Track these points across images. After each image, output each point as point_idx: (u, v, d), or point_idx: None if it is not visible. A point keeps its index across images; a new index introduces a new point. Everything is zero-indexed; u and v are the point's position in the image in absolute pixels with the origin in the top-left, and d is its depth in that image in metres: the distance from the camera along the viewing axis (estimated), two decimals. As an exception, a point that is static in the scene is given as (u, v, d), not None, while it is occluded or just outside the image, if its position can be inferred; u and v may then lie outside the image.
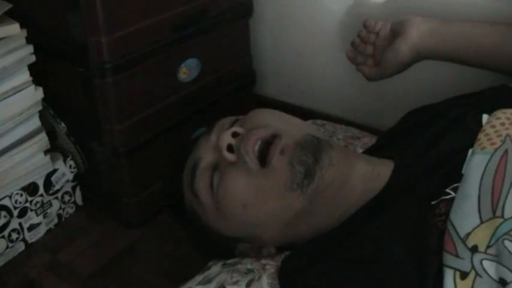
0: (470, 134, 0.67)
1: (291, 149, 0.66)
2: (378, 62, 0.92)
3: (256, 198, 0.67)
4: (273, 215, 0.68)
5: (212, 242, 0.75)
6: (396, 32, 0.88)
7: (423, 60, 0.89)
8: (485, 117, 0.69)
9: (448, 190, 0.62)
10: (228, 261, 0.75)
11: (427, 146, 0.71)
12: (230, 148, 0.68)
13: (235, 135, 0.69)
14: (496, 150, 0.62)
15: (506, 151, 0.61)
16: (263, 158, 0.66)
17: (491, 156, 0.61)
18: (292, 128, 0.70)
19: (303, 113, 1.31)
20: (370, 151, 0.84)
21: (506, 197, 0.57)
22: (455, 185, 0.62)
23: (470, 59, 0.85)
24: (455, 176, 0.62)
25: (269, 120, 0.72)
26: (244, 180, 0.67)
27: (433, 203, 0.61)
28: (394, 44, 0.87)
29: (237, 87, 1.38)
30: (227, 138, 0.68)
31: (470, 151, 0.64)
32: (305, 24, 1.32)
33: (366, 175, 0.70)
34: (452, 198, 0.60)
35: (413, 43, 0.85)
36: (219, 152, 0.69)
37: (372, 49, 0.93)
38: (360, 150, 0.94)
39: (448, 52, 0.85)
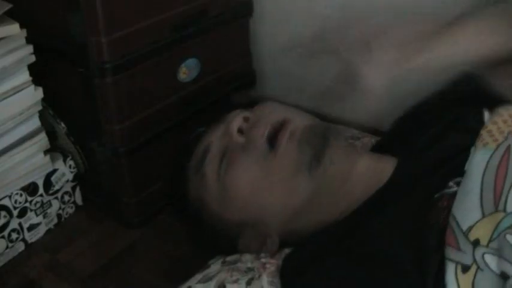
0: (471, 133, 0.67)
1: (301, 131, 0.67)
2: None
3: (264, 181, 0.68)
4: (281, 198, 0.69)
5: (213, 238, 0.75)
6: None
7: None
8: (486, 114, 0.69)
9: (450, 183, 0.62)
10: (228, 259, 0.75)
11: (428, 146, 0.71)
12: (240, 131, 0.69)
13: (246, 119, 0.70)
14: (498, 146, 0.62)
15: (508, 147, 0.61)
16: (272, 143, 0.67)
17: (493, 152, 0.62)
18: (301, 115, 0.71)
19: (303, 113, 1.30)
20: (373, 150, 0.85)
21: (509, 191, 0.57)
22: (458, 178, 0.62)
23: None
24: (458, 172, 0.63)
25: (279, 109, 0.73)
26: (253, 163, 0.68)
27: (436, 195, 0.62)
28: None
29: (237, 87, 1.38)
30: (238, 121, 0.70)
31: (472, 149, 0.64)
32: (305, 24, 1.32)
33: (369, 169, 0.71)
34: (455, 193, 0.60)
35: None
36: (229, 137, 0.70)
37: None
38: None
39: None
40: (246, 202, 0.70)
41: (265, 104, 0.76)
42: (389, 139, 0.85)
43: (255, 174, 0.68)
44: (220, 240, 0.76)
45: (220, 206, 0.72)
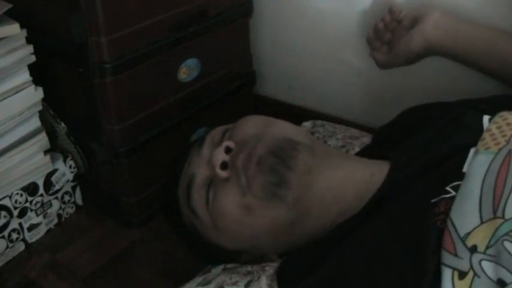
0: (470, 133, 0.67)
1: (264, 157, 0.66)
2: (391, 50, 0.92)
3: (246, 216, 0.68)
4: (265, 228, 0.69)
5: (212, 253, 0.75)
6: (415, 22, 0.88)
7: (434, 56, 0.88)
8: (485, 117, 0.69)
9: (448, 188, 0.61)
10: (228, 266, 0.75)
11: (425, 145, 0.71)
12: (223, 164, 0.69)
13: (227, 150, 0.70)
14: (500, 150, 0.61)
15: (510, 151, 0.60)
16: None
17: (495, 156, 0.61)
18: (273, 132, 0.70)
19: (303, 113, 1.31)
20: (368, 149, 0.84)
21: (508, 197, 0.56)
22: (455, 183, 0.61)
23: (483, 64, 0.84)
24: (455, 174, 0.62)
25: (256, 127, 0.72)
26: (235, 196, 0.67)
27: (433, 201, 0.61)
28: (409, 33, 0.87)
29: (237, 87, 1.38)
30: (220, 156, 0.69)
31: (472, 150, 0.63)
32: (305, 24, 1.32)
33: (356, 179, 0.70)
34: (453, 197, 0.60)
35: (427, 35, 0.85)
36: (212, 169, 0.69)
37: (389, 36, 0.93)
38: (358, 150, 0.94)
39: (461, 52, 0.85)
40: (236, 234, 0.70)
41: (243, 122, 0.74)
42: (385, 137, 0.84)
43: (238, 208, 0.68)
44: (218, 258, 0.76)
45: (214, 237, 0.73)
